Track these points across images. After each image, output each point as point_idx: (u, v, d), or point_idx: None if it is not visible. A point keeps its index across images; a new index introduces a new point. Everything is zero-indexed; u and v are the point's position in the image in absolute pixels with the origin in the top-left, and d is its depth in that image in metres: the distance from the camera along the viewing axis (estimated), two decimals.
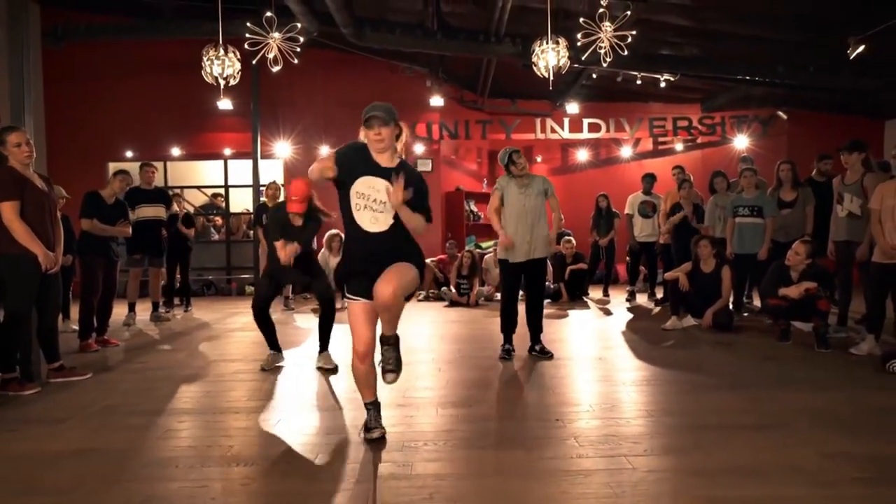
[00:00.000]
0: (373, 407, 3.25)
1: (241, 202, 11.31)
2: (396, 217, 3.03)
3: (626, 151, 11.74)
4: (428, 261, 8.80)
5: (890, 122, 10.21)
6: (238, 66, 6.84)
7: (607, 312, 7.93)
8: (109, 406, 3.93)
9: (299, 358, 5.22)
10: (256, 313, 4.93)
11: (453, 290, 8.93)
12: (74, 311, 6.29)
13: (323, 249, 8.82)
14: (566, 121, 11.13)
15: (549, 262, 7.43)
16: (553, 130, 11.20)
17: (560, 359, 5.09)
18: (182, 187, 10.83)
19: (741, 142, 10.95)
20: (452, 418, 3.55)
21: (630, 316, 7.54)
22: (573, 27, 6.54)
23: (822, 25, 7.26)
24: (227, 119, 10.56)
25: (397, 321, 3.12)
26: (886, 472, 2.69)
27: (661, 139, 11.39)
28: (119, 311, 6.71)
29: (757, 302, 7.22)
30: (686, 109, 11.26)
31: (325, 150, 10.54)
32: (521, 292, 5.26)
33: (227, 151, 10.99)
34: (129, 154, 10.79)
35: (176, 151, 10.96)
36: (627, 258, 9.11)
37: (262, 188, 9.26)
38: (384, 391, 3.29)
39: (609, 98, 11.06)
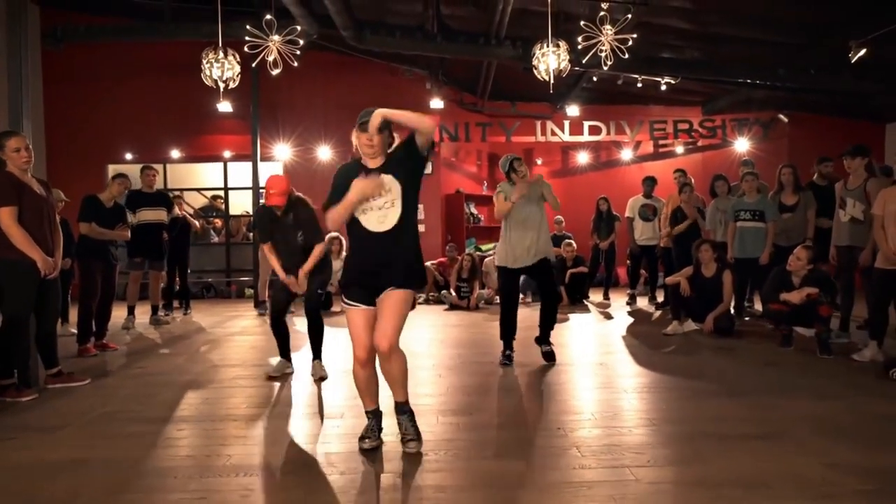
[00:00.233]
0: (373, 416, 3.22)
1: (241, 204, 11.30)
2: (402, 215, 3.03)
3: (626, 154, 11.73)
4: (428, 264, 8.79)
5: (891, 125, 10.18)
6: (237, 68, 6.83)
7: (608, 316, 7.91)
8: (108, 413, 3.91)
9: (299, 364, 5.19)
10: (272, 322, 4.94)
11: (453, 294, 8.91)
12: (73, 314, 6.27)
13: None
14: (566, 123, 11.10)
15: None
16: (553, 133, 11.18)
17: (561, 364, 5.08)
18: (182, 189, 10.79)
19: (742, 145, 10.94)
20: (453, 427, 3.53)
21: (631, 320, 7.53)
22: (574, 30, 6.53)
23: (823, 28, 7.24)
24: (226, 121, 10.52)
25: (405, 382, 3.12)
26: (889, 485, 2.66)
27: (661, 142, 11.36)
28: (118, 314, 6.69)
29: (758, 306, 7.21)
30: (687, 112, 11.25)
31: (324, 152, 10.53)
32: (520, 296, 5.23)
33: (227, 154, 10.98)
34: (128, 156, 10.77)
35: (175, 153, 10.94)
36: (628, 261, 9.09)
37: (261, 190, 9.22)
38: (386, 399, 3.25)
39: (610, 101, 11.03)
